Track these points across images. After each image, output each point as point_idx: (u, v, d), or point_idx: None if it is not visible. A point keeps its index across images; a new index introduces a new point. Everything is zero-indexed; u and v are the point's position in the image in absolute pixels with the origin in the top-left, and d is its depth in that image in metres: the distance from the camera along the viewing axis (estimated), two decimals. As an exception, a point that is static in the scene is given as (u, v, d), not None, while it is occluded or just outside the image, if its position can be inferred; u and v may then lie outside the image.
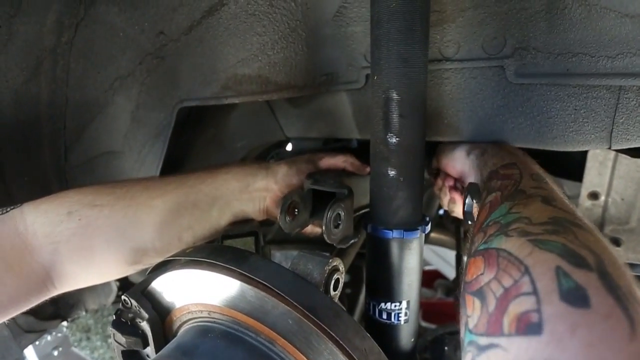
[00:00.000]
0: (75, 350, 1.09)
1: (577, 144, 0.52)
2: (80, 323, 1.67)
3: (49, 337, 0.99)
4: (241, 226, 0.55)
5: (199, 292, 0.43)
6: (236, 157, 0.84)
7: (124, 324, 0.50)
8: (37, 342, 0.91)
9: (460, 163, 0.61)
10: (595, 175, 0.61)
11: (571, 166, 0.69)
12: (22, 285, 0.51)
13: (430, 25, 0.49)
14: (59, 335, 1.04)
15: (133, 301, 0.49)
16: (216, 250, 0.42)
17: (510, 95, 0.55)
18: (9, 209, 0.50)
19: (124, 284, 0.93)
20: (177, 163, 0.83)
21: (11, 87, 0.67)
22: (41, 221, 0.51)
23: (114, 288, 0.91)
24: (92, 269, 0.56)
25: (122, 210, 0.54)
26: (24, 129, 0.72)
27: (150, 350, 0.52)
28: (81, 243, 0.52)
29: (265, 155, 0.94)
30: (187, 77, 0.67)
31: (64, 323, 0.89)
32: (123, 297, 0.50)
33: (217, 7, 0.62)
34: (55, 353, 1.03)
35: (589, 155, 0.60)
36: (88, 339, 1.29)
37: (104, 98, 0.76)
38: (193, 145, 0.83)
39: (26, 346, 0.80)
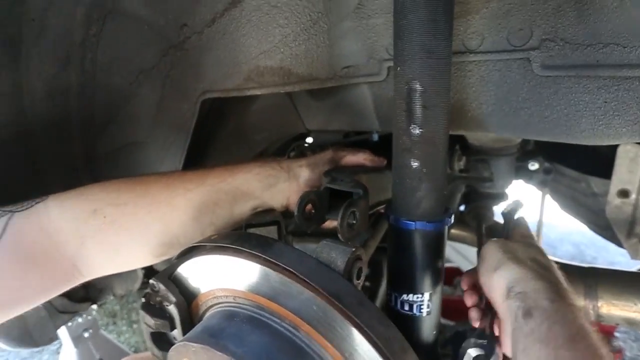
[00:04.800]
0: (104, 333, 1.14)
1: (606, 138, 0.51)
2: (107, 308, 1.74)
3: (79, 319, 1.03)
4: (263, 215, 0.56)
5: (225, 278, 0.45)
6: (256, 149, 0.86)
7: (153, 307, 0.52)
8: (69, 323, 0.96)
9: (497, 298, 0.48)
10: (625, 172, 0.59)
11: (599, 162, 0.68)
12: (48, 278, 0.53)
13: (454, 17, 0.48)
14: (89, 318, 1.09)
15: (161, 285, 0.51)
16: (241, 237, 0.43)
17: (537, 88, 0.54)
18: (33, 203, 0.52)
19: (149, 271, 0.97)
20: (199, 154, 0.85)
21: (44, 79, 0.70)
22: (67, 217, 0.53)
23: (140, 274, 0.94)
24: (118, 260, 0.59)
25: (144, 208, 0.56)
26: (56, 120, 0.75)
27: (177, 332, 0.54)
28: (107, 238, 0.55)
29: (285, 148, 0.95)
30: (210, 68, 0.69)
31: (94, 306, 0.93)
32: (151, 281, 0.52)
33: (241, -1, 0.63)
34: (86, 335, 1.08)
35: (619, 151, 0.59)
36: (114, 323, 1.35)
37: (129, 90, 0.78)
38: (214, 137, 0.85)
39: (60, 326, 0.84)
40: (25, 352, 1.54)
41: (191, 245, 0.50)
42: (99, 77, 0.75)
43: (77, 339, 1.05)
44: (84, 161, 0.81)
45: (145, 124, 0.79)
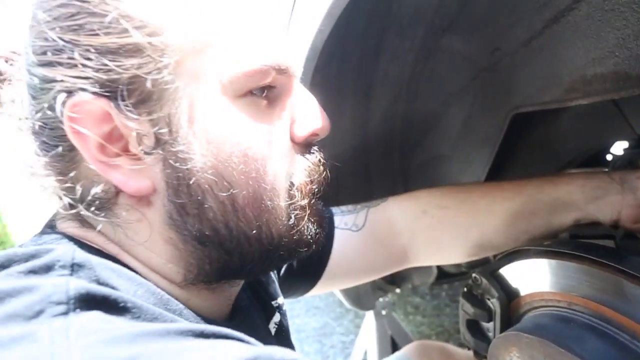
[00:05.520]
0: (394, 314, 1.36)
1: None
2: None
3: (381, 299, 1.28)
4: (591, 228, 0.54)
5: (559, 283, 0.47)
6: (565, 159, 0.81)
7: (474, 297, 0.61)
8: (379, 299, 1.21)
9: None
10: None
11: None
12: (387, 259, 0.70)
13: None
14: (386, 299, 1.33)
15: (483, 279, 0.59)
16: (584, 246, 0.44)
17: None
18: (380, 202, 0.69)
19: (440, 270, 1.09)
20: (499, 167, 0.89)
21: (381, 111, 0.93)
22: (403, 215, 0.67)
23: (435, 270, 1.08)
24: (438, 255, 0.71)
25: (465, 212, 0.64)
26: (383, 139, 0.99)
27: (491, 325, 0.60)
28: (432, 236, 0.66)
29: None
30: (524, 84, 0.72)
31: (397, 290, 1.15)
32: (474, 274, 0.61)
33: (564, 12, 0.63)
34: (383, 312, 1.33)
35: None
36: (394, 311, 1.58)
37: (439, 110, 0.92)
38: (516, 149, 0.87)
39: (375, 301, 1.09)
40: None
41: (516, 249, 0.55)
42: (417, 103, 0.92)
43: (377, 314, 1.31)
44: (399, 172, 1.02)
45: (451, 139, 0.91)
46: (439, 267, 1.11)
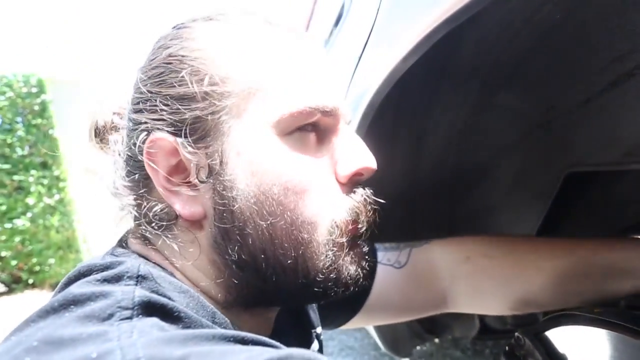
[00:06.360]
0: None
1: None
2: (425, 348, 1.95)
3: (419, 347, 1.24)
4: (651, 300, 0.51)
5: (606, 354, 0.46)
6: (623, 225, 0.78)
7: (516, 358, 0.59)
8: (417, 347, 1.17)
9: None
10: None
11: None
12: (425, 299, 0.70)
13: None
14: (424, 348, 1.28)
15: (527, 340, 0.58)
16: (638, 319, 0.43)
17: None
18: (424, 243, 0.70)
19: (484, 324, 1.05)
20: (552, 224, 0.87)
21: (432, 158, 0.95)
22: (446, 259, 0.67)
23: (477, 324, 1.04)
24: (478, 303, 0.69)
25: (511, 264, 0.63)
26: (432, 186, 1.00)
27: (534, 389, 0.57)
28: (474, 283, 0.66)
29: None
30: (579, 144, 0.72)
31: (436, 340, 1.11)
32: (517, 334, 0.60)
33: (624, 78, 0.63)
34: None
35: None
36: (432, 362, 1.51)
37: (489, 163, 0.93)
38: (572, 207, 0.84)
39: (412, 348, 1.07)
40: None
41: (565, 313, 0.53)
42: (468, 153, 0.94)
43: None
44: (446, 219, 1.02)
45: (501, 191, 0.90)
46: (482, 322, 1.06)
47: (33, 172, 4.12)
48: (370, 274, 0.67)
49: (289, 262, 0.40)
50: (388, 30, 0.59)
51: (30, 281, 4.23)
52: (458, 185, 0.99)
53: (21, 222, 4.08)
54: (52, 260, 4.23)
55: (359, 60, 0.68)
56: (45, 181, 4.18)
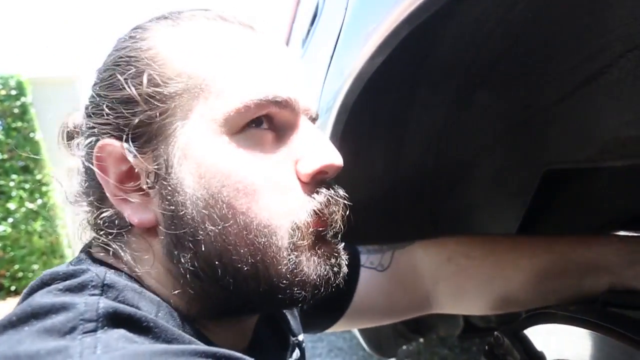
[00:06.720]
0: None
1: None
2: (412, 346, 1.96)
3: (404, 347, 1.24)
4: (628, 296, 0.51)
5: (581, 352, 0.46)
6: (600, 221, 0.79)
7: (495, 357, 0.59)
8: (403, 347, 1.17)
9: None
10: None
11: None
12: (409, 301, 0.70)
13: None
14: (410, 348, 1.28)
15: (506, 339, 0.57)
16: (612, 316, 0.43)
17: None
18: (406, 245, 0.70)
19: (469, 323, 1.05)
20: (531, 221, 0.87)
21: (412, 158, 0.95)
22: (428, 260, 0.67)
23: (461, 323, 1.04)
24: (461, 304, 0.69)
25: (491, 264, 0.63)
26: (413, 186, 1.00)
27: (515, 388, 0.57)
28: (456, 283, 0.66)
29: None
30: (556, 141, 0.72)
31: (420, 339, 1.11)
32: (497, 333, 0.59)
33: (595, 76, 0.64)
34: (407, 361, 1.28)
35: None
36: (419, 360, 1.51)
37: (470, 161, 0.93)
38: (550, 204, 0.85)
39: (397, 348, 1.07)
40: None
41: (542, 311, 0.53)
42: (448, 153, 0.94)
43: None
44: (428, 218, 1.02)
45: (482, 189, 0.91)
46: (467, 320, 1.07)
47: (14, 176, 4.03)
48: (354, 275, 0.66)
49: (246, 269, 0.38)
50: (356, 29, 0.58)
51: (13, 288, 4.13)
52: (439, 185, 0.99)
53: (2, 228, 3.99)
54: (35, 267, 4.15)
55: (331, 59, 0.67)
56: (27, 185, 4.09)
